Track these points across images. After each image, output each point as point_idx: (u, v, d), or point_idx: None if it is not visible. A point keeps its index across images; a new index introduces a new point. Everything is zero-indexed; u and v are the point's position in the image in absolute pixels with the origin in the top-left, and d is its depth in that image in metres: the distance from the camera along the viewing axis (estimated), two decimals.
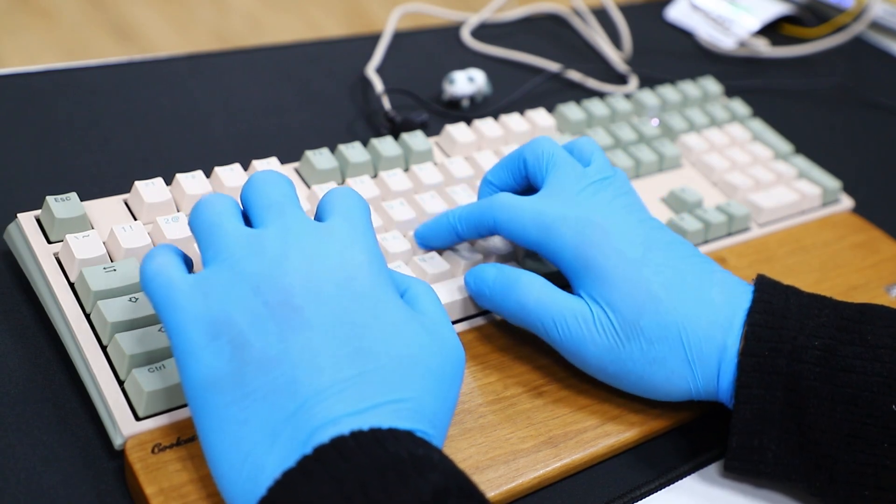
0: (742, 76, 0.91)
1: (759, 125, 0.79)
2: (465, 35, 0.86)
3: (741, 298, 0.51)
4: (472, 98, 0.76)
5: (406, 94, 0.75)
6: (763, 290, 0.51)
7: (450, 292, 0.55)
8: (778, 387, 0.48)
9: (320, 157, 0.61)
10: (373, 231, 0.46)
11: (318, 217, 0.47)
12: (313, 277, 0.42)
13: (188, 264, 0.45)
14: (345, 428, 0.39)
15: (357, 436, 0.38)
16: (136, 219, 0.55)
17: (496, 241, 0.59)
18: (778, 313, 0.49)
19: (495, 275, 0.53)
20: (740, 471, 0.50)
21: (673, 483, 0.51)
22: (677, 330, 0.49)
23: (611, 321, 0.50)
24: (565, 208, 0.52)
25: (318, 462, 0.38)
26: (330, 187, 0.60)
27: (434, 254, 0.57)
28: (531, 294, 0.51)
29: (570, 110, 0.73)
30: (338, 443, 0.38)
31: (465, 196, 0.62)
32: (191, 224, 0.45)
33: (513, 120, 0.70)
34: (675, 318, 0.49)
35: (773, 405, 0.48)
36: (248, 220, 0.46)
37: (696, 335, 0.49)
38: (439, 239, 0.57)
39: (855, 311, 0.50)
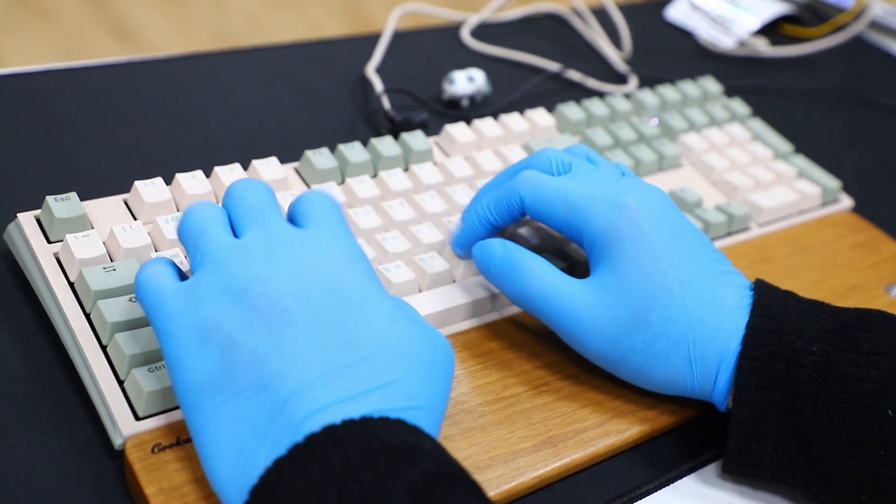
0: (742, 76, 0.91)
1: (758, 125, 0.79)
2: (465, 35, 0.86)
3: (748, 302, 0.50)
4: (471, 98, 0.76)
5: (406, 93, 0.75)
6: (763, 295, 0.51)
7: (450, 297, 0.55)
8: (776, 391, 0.48)
9: (320, 157, 0.61)
10: (351, 234, 0.47)
11: (294, 223, 0.47)
12: (299, 280, 0.43)
13: (181, 275, 0.46)
14: (335, 416, 0.39)
15: (348, 424, 0.38)
16: (135, 219, 0.55)
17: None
18: (777, 318, 0.49)
19: (502, 253, 0.53)
20: (738, 473, 0.50)
21: (672, 482, 0.51)
22: (685, 328, 0.49)
23: (618, 311, 0.49)
24: (593, 189, 0.52)
25: (309, 450, 0.38)
26: (329, 187, 0.60)
27: (434, 253, 0.57)
28: (535, 281, 0.51)
29: (570, 110, 0.73)
30: (329, 431, 0.38)
31: (465, 196, 0.61)
32: (179, 231, 0.46)
33: (513, 120, 0.70)
34: (685, 315, 0.49)
35: (771, 409, 0.48)
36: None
37: (702, 335, 0.49)
38: (477, 237, 0.55)
39: (852, 317, 0.50)
